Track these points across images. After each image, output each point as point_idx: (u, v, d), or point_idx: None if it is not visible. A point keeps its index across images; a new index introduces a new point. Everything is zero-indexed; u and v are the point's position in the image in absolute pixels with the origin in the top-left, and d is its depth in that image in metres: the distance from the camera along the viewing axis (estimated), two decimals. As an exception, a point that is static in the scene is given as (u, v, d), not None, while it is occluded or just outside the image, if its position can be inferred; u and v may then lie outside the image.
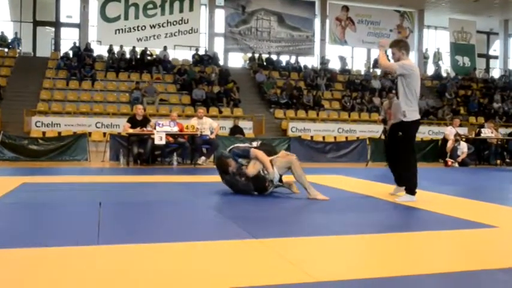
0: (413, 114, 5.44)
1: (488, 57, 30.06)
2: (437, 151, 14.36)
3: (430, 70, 26.95)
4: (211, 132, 11.71)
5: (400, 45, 5.49)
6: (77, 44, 21.22)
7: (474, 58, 27.49)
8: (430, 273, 2.63)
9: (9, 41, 21.78)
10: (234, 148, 5.96)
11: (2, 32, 21.80)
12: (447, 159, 12.82)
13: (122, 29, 22.57)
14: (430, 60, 27.12)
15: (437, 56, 26.59)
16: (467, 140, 13.61)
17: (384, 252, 3.13)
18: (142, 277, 2.47)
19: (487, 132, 13.77)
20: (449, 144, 12.96)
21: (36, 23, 23.65)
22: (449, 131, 13.70)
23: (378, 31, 25.90)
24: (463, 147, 12.91)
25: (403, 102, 5.40)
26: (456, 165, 12.65)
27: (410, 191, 5.42)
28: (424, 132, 19.14)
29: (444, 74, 25.93)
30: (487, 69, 29.02)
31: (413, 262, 2.88)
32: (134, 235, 3.51)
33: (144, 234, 3.57)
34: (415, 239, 3.52)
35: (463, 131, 16.08)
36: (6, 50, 21.31)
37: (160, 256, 2.93)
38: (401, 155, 5.56)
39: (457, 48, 27.14)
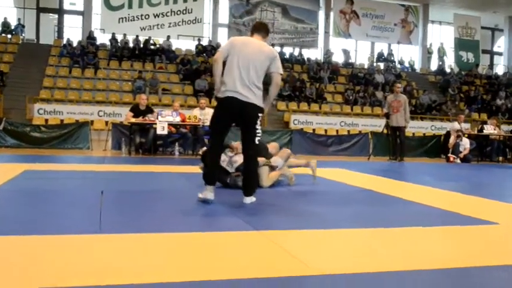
0: (221, 92, 4.40)
1: (492, 54, 29.94)
2: (439, 147, 14.35)
3: (434, 65, 26.86)
4: (214, 123, 11.70)
5: None
6: (79, 36, 21.29)
7: (478, 54, 27.39)
8: (428, 269, 2.63)
9: (13, 27, 21.72)
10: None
11: (5, 18, 21.74)
12: (449, 155, 12.81)
13: (126, 18, 22.51)
14: (434, 56, 27.03)
15: (442, 51, 26.48)
16: (469, 136, 13.57)
17: (382, 247, 3.13)
18: (143, 266, 2.48)
19: (489, 129, 13.74)
20: (452, 140, 12.93)
21: (40, 10, 23.58)
22: (454, 127, 13.64)
23: (382, 25, 25.82)
24: (465, 143, 12.89)
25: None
26: (458, 161, 12.64)
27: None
28: (427, 128, 19.14)
29: (448, 70, 25.85)
30: (491, 66, 28.91)
31: (411, 257, 2.89)
32: (136, 224, 3.52)
33: (146, 223, 3.58)
34: (414, 234, 3.53)
35: (466, 127, 15.99)
36: (9, 36, 21.26)
37: (161, 246, 2.95)
38: None
39: (461, 44, 27.04)
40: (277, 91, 4.80)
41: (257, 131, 4.43)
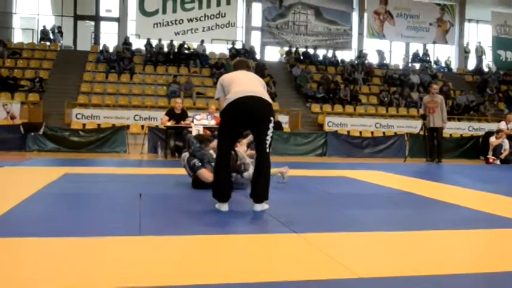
0: (229, 99, 4.16)
1: (532, 52, 29.12)
2: (478, 148, 14.00)
3: (471, 65, 26.29)
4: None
5: None
6: (115, 42, 21.74)
7: (517, 53, 26.73)
8: (469, 273, 2.58)
9: (51, 34, 22.23)
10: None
11: (44, 26, 22.30)
12: (488, 156, 12.49)
13: (160, 23, 22.80)
14: (471, 55, 26.44)
15: (480, 50, 25.86)
16: (509, 137, 13.11)
17: (422, 250, 3.08)
18: (183, 268, 2.50)
19: (530, 129, 13.31)
20: (495, 141, 12.48)
21: (77, 17, 24.12)
22: (503, 127, 13.24)
23: (417, 25, 25.44)
24: (505, 144, 12.55)
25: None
26: (498, 162, 12.32)
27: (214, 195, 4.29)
28: (464, 128, 18.74)
29: (485, 69, 25.28)
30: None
31: (453, 260, 2.83)
32: (175, 226, 3.55)
33: (185, 225, 3.61)
34: (455, 237, 3.45)
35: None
36: (48, 43, 21.80)
37: (200, 247, 2.96)
38: None
39: (499, 42, 26.38)
40: None
41: (269, 136, 4.15)
